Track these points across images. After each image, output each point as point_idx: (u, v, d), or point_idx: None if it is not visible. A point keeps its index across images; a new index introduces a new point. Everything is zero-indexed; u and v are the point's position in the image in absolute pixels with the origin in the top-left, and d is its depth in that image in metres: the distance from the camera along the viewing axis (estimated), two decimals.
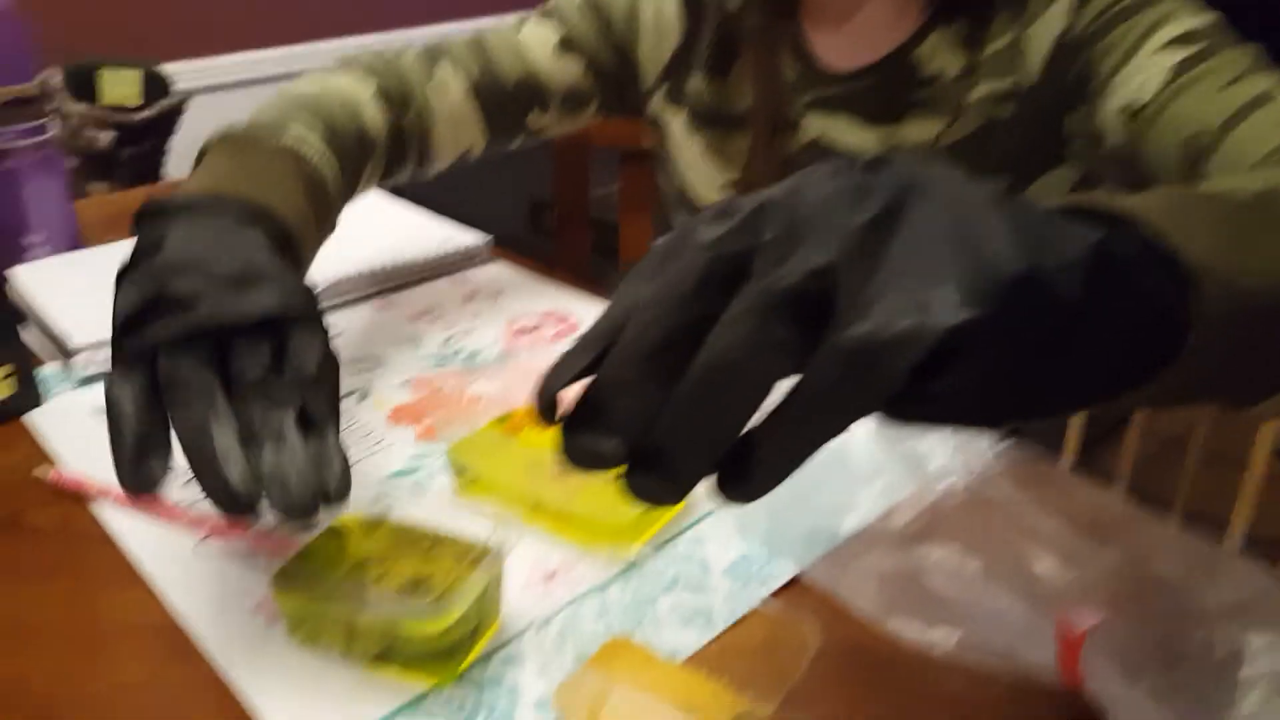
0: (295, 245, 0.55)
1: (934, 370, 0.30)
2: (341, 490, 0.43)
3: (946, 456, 0.57)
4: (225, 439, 0.42)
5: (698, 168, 0.84)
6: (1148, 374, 0.33)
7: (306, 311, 0.46)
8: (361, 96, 0.72)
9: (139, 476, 0.43)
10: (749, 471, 0.31)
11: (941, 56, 0.71)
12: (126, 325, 0.44)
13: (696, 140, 0.82)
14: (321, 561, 0.48)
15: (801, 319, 0.29)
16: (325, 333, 0.47)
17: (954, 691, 0.46)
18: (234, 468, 0.41)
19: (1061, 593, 0.48)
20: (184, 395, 0.43)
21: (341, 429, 0.46)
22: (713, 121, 0.81)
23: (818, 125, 0.76)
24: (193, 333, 0.43)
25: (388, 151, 0.74)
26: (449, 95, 0.77)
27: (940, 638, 0.47)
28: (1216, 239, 0.35)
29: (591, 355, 0.33)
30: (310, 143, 0.65)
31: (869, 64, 0.73)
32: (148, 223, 0.51)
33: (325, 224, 0.65)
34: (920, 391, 0.30)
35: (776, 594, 0.52)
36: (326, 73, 0.74)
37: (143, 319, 0.44)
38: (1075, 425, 1.31)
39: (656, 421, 0.31)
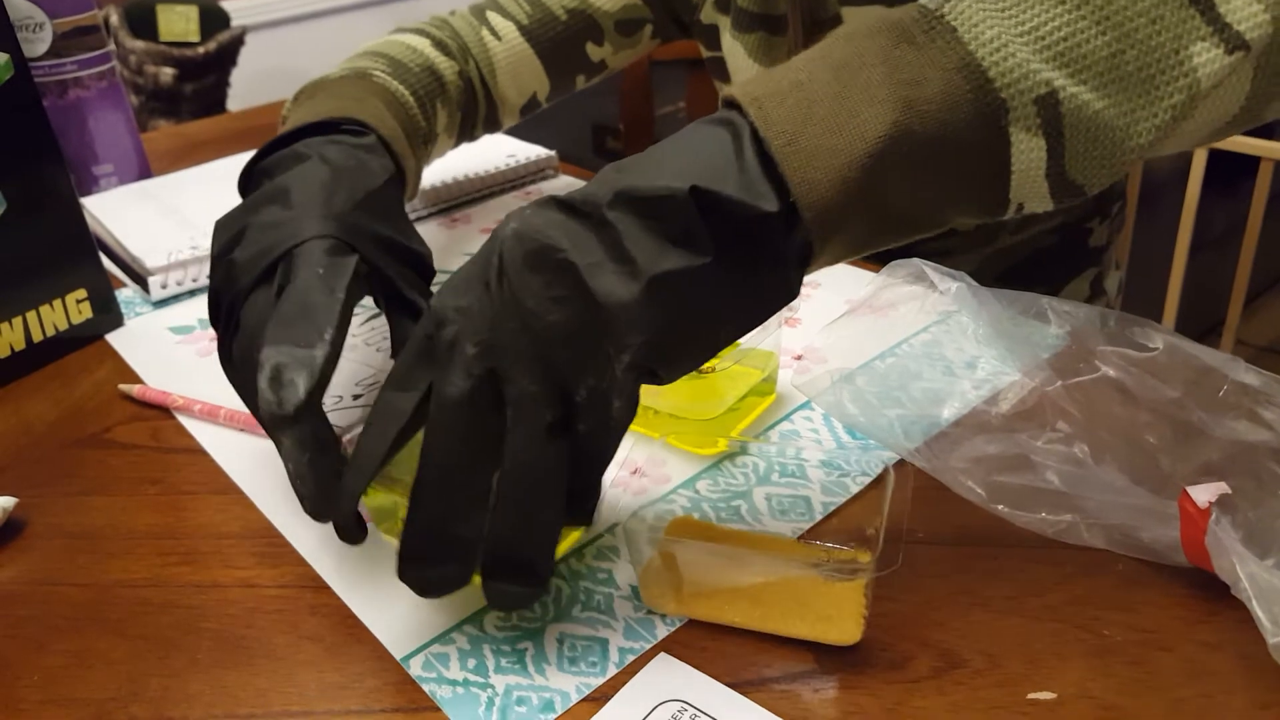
0: (378, 135, 0.58)
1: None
2: (273, 412, 0.42)
3: (1048, 339, 0.55)
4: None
5: (745, 72, 0.82)
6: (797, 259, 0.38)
7: (305, 237, 0.47)
8: (422, 45, 0.73)
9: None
10: (585, 510, 0.40)
11: None
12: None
13: (741, 44, 0.80)
14: (403, 456, 0.47)
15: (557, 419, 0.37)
16: (330, 249, 0.47)
17: (1070, 574, 0.44)
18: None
19: (1179, 468, 0.45)
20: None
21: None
22: (756, 24, 0.78)
23: (855, 18, 0.72)
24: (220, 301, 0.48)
25: (461, 97, 0.75)
26: (504, 41, 0.78)
27: (1053, 519, 0.45)
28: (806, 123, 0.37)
29: (376, 471, 0.40)
30: (376, 68, 0.68)
31: None
32: (244, 190, 0.56)
33: (410, 129, 0.66)
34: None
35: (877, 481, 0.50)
36: (384, 37, 0.76)
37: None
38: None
39: (498, 541, 0.38)
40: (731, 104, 0.39)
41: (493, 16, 0.79)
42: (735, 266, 0.37)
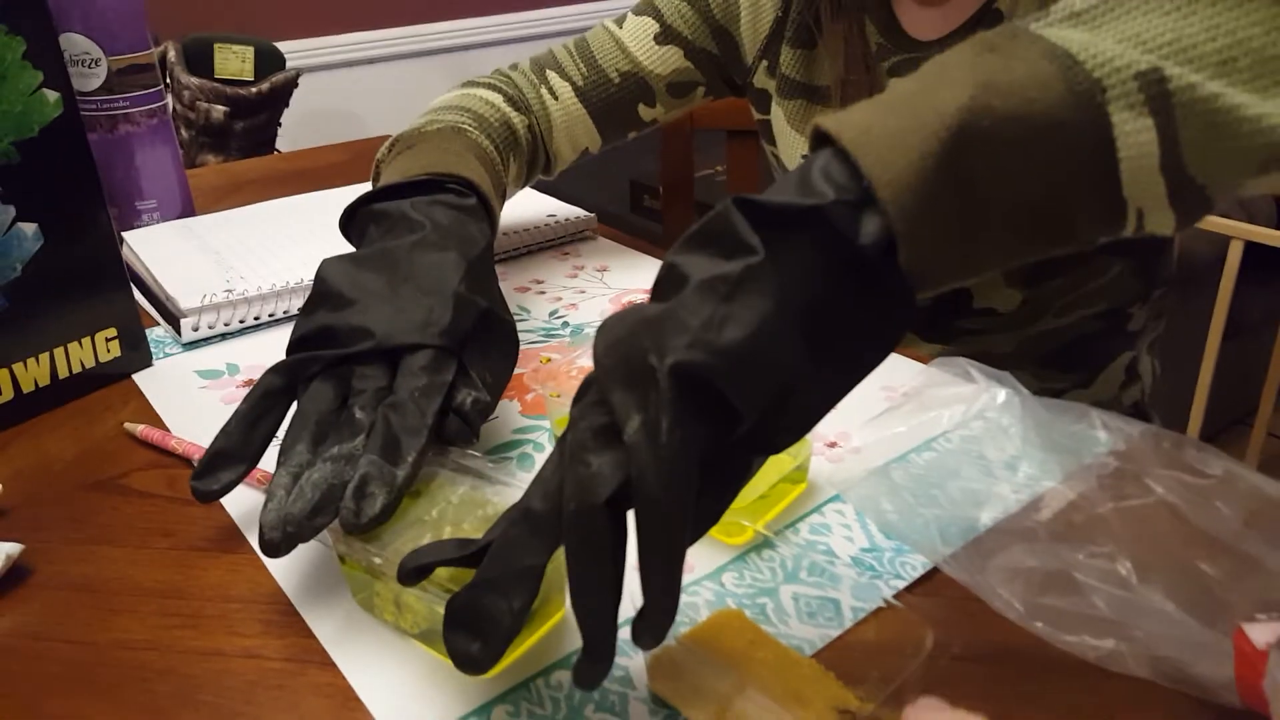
0: (479, 195, 0.61)
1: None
2: (351, 522, 0.43)
3: (1095, 445, 0.52)
4: (280, 476, 0.45)
5: (785, 137, 0.82)
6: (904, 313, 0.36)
7: (416, 341, 0.50)
8: (497, 100, 0.77)
9: (201, 480, 0.48)
10: (645, 616, 0.35)
11: (1024, 5, 0.67)
12: (290, 348, 0.51)
13: (782, 110, 0.80)
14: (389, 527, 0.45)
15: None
16: (432, 361, 0.49)
17: (1113, 705, 0.41)
18: (270, 505, 0.44)
19: (1234, 598, 0.43)
20: (294, 420, 0.48)
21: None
22: (799, 93, 0.79)
23: None
24: (310, 364, 0.49)
25: (529, 150, 0.79)
26: (560, 101, 0.82)
27: (1096, 644, 0.43)
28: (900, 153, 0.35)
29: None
30: (466, 123, 0.72)
31: (955, 28, 0.71)
32: (345, 228, 0.59)
33: (497, 187, 0.69)
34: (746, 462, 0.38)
35: (911, 588, 0.48)
36: (457, 90, 0.80)
37: (300, 344, 0.51)
38: (1194, 422, 1.23)
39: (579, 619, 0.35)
40: (816, 137, 0.37)
41: (551, 76, 0.82)
42: (797, 268, 0.34)
